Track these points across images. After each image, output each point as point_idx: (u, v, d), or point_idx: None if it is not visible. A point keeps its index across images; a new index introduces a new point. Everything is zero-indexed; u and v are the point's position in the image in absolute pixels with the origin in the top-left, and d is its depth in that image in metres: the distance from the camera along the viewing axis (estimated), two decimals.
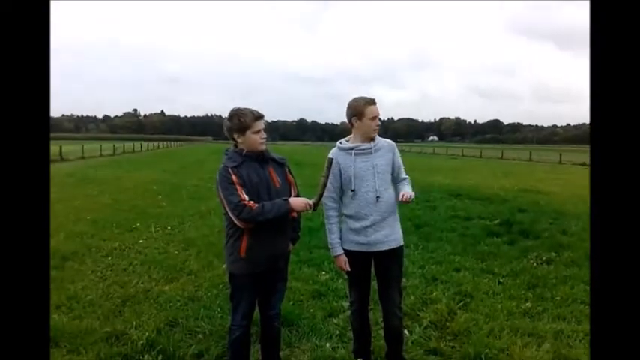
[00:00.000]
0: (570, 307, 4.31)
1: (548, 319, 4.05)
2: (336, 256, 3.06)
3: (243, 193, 2.64)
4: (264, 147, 2.80)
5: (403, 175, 3.15)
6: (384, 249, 3.00)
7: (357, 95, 3.03)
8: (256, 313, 3.02)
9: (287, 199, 2.74)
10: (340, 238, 3.05)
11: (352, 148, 3.03)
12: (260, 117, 2.76)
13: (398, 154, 3.13)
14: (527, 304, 4.40)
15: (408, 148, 62.05)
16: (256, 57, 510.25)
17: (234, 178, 2.66)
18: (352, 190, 2.97)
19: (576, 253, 6.15)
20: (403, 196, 2.93)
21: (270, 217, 2.65)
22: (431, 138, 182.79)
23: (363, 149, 3.02)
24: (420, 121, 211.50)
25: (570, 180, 19.16)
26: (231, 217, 2.66)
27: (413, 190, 3.07)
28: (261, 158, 2.80)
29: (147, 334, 3.60)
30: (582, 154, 41.01)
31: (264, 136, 2.79)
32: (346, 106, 3.04)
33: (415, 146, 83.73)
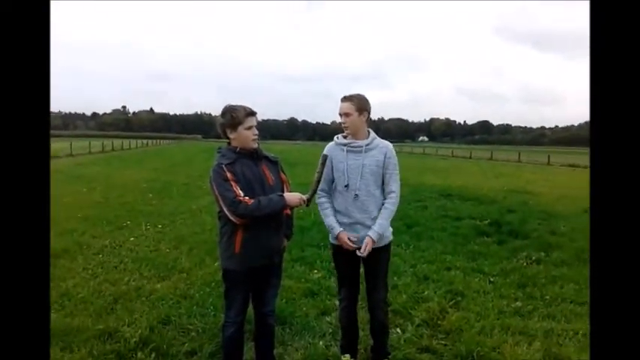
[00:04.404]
0: (560, 307, 4.37)
1: (539, 318, 4.10)
2: (338, 236, 3.02)
3: (239, 189, 2.65)
4: (256, 144, 2.81)
5: (392, 185, 3.03)
6: (373, 246, 3.01)
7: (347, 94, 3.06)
8: (250, 311, 3.03)
9: (282, 195, 2.76)
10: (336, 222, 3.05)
11: (345, 144, 3.05)
12: (252, 113, 2.78)
13: (391, 157, 3.04)
14: (517, 303, 4.45)
15: (398, 148, 62.23)
16: (245, 55, 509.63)
17: (228, 174, 2.67)
18: (345, 186, 3.00)
19: (565, 253, 6.24)
20: (364, 247, 2.96)
21: (266, 212, 2.66)
22: (421, 138, 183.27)
23: (355, 146, 3.04)
24: (410, 121, 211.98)
25: (558, 181, 19.38)
26: (227, 213, 2.66)
27: (400, 200, 3.09)
28: (254, 156, 2.82)
29: (140, 331, 3.59)
30: (570, 155, 41.46)
31: (256, 132, 2.81)
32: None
33: (406, 146, 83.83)
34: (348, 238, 2.98)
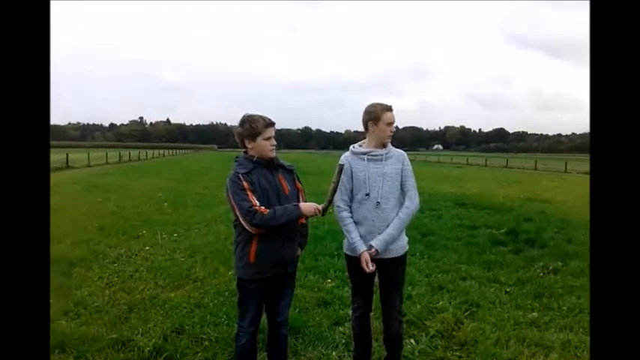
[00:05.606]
0: (577, 318, 4.28)
1: (555, 330, 4.03)
2: (360, 254, 2.97)
3: (255, 198, 2.66)
4: (274, 154, 2.82)
5: (411, 192, 3.06)
6: (389, 256, 3.01)
7: (363, 103, 3.09)
8: (263, 320, 3.02)
9: (297, 204, 2.77)
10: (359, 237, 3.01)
11: (365, 153, 3.05)
12: (271, 124, 2.79)
13: (408, 165, 3.09)
14: (533, 314, 4.37)
15: (413, 157, 61.88)
16: (259, 66, 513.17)
17: (245, 184, 2.68)
18: (367, 194, 2.99)
19: (583, 262, 6.10)
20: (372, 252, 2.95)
21: (281, 221, 2.67)
22: (435, 146, 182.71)
23: (376, 155, 3.04)
24: (424, 129, 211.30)
25: (576, 189, 19.06)
26: (243, 222, 2.67)
27: (414, 213, 3.08)
28: (271, 165, 2.83)
29: (153, 340, 3.61)
30: (588, 163, 40.80)
31: (275, 143, 2.82)
32: (363, 111, 3.08)
33: (420, 154, 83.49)
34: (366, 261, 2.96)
